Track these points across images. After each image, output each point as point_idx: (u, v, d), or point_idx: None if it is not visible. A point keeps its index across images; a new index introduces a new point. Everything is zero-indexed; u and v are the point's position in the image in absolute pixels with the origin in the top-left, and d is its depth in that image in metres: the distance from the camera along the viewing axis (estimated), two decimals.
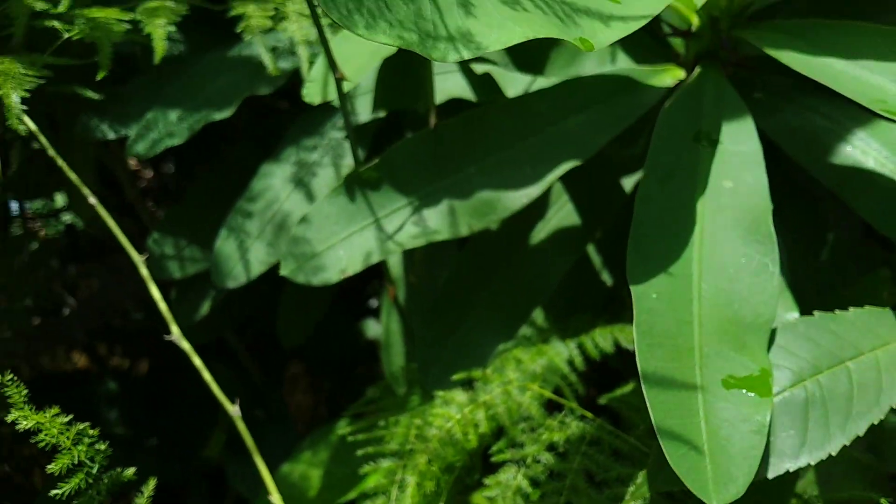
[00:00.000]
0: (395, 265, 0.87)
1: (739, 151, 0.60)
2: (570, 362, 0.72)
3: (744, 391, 0.47)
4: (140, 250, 0.94)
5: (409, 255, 0.86)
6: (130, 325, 1.42)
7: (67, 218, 1.38)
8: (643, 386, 0.47)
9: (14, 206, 1.27)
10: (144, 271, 0.73)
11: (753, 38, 0.63)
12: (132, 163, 1.39)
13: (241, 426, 0.68)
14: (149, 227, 1.06)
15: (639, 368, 0.48)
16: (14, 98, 0.72)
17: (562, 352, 0.74)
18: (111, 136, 0.90)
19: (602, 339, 0.75)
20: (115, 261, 1.36)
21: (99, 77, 0.76)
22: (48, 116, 0.98)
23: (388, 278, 0.82)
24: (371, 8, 0.35)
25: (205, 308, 0.97)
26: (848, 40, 0.59)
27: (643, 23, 0.44)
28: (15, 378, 0.53)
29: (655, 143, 0.61)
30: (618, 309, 0.83)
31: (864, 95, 0.54)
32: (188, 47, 0.96)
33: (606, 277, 0.84)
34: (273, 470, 0.91)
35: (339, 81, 0.65)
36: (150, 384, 1.33)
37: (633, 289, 0.52)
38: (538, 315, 0.80)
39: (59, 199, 1.37)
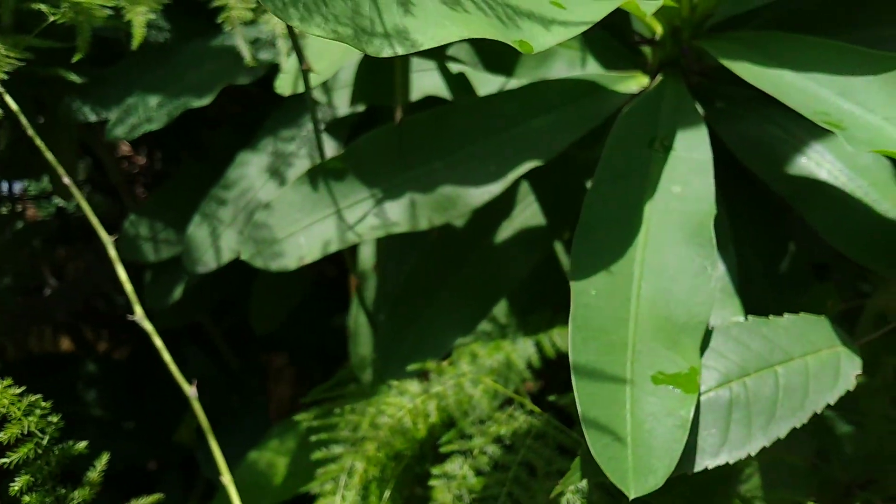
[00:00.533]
0: (368, 258, 0.89)
1: (691, 158, 0.62)
2: (527, 360, 0.74)
3: (671, 387, 0.49)
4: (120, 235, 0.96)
5: (380, 248, 0.87)
6: (113, 309, 1.43)
7: (58, 201, 1.40)
8: (573, 376, 0.48)
9: (4, 187, 1.29)
10: (112, 252, 0.75)
11: (711, 48, 0.65)
12: (125, 149, 1.40)
13: (196, 405, 0.69)
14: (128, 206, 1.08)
15: (570, 360, 0.49)
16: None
17: (519, 349, 0.75)
18: (92, 118, 0.92)
19: (560, 337, 0.76)
20: (102, 244, 1.37)
21: (75, 59, 0.77)
22: (34, 99, 1.00)
23: (353, 270, 0.84)
24: (307, 2, 0.37)
25: (178, 292, 0.99)
26: (800, 54, 0.61)
27: (584, 28, 0.46)
28: None
29: (611, 144, 0.63)
30: None
31: (809, 108, 0.56)
32: (174, 35, 0.98)
33: (566, 262, 0.85)
34: (242, 457, 0.93)
35: (305, 73, 0.67)
36: (130, 368, 1.35)
37: (573, 284, 0.54)
38: (500, 311, 0.81)
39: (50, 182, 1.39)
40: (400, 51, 0.40)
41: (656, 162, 0.62)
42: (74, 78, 0.87)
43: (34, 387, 0.59)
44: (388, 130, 0.71)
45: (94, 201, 1.33)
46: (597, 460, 0.46)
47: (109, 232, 0.77)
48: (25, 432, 0.54)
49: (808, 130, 0.69)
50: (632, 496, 0.45)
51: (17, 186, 1.33)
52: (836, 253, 0.89)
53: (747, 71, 0.61)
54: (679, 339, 0.51)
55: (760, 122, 0.71)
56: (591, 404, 0.47)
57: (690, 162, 0.62)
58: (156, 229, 0.99)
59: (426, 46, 0.40)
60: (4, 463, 0.54)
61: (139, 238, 0.99)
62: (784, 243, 0.83)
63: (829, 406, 0.64)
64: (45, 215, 1.47)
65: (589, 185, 0.81)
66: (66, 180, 0.78)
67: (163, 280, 1.01)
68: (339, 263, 1.23)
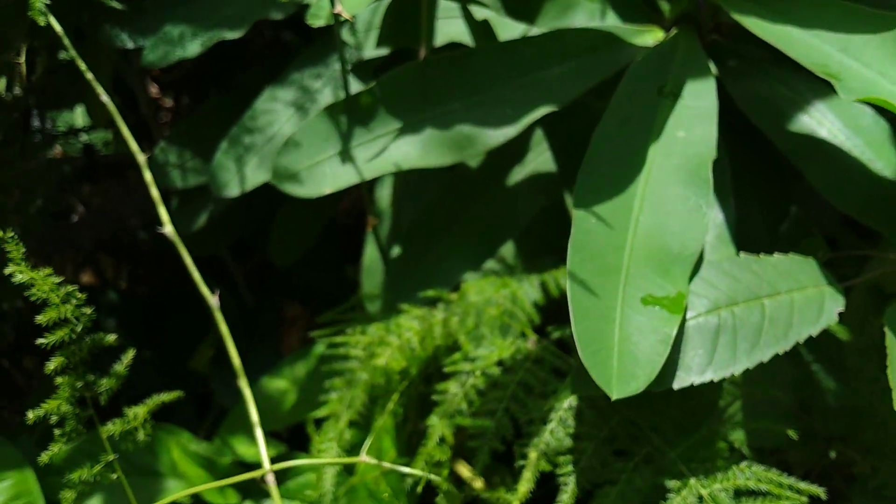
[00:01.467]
0: (385, 197, 0.93)
1: (697, 106, 0.65)
2: (531, 297, 0.78)
3: (658, 308, 0.53)
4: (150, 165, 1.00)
5: (397, 187, 0.91)
6: (136, 243, 1.48)
7: (86, 138, 1.44)
8: (568, 287, 0.52)
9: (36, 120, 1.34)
10: (148, 175, 0.79)
11: (724, 2, 0.68)
12: (153, 91, 1.44)
13: (219, 317, 0.74)
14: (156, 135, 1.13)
15: (567, 274, 0.53)
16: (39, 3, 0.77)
17: (524, 286, 0.79)
18: (130, 45, 0.96)
19: (564, 279, 0.80)
20: (127, 179, 1.42)
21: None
22: (74, 25, 1.04)
23: (369, 209, 0.88)
24: None
25: (202, 219, 1.03)
26: (807, 11, 0.63)
27: None
28: (14, 236, 0.59)
29: (621, 90, 0.66)
30: None
31: (811, 60, 0.59)
32: None
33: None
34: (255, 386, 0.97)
35: (336, 17, 0.70)
36: (150, 299, 1.40)
37: (575, 212, 0.58)
38: (508, 252, 0.85)
39: (80, 120, 1.43)
40: None
41: (664, 108, 0.65)
42: (115, 4, 0.90)
43: None
44: (412, 68, 0.75)
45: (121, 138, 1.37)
46: (585, 366, 0.50)
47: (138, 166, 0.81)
48: (62, 318, 0.59)
49: (813, 91, 0.72)
50: (614, 398, 0.49)
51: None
52: (841, 222, 0.92)
53: (756, 26, 0.64)
54: (670, 267, 0.55)
55: (769, 81, 0.74)
56: (583, 317, 0.51)
57: (696, 109, 0.65)
58: (184, 157, 1.03)
59: None
60: (42, 343, 0.59)
61: (168, 165, 1.03)
62: (787, 206, 0.86)
63: (813, 348, 0.68)
64: (72, 153, 1.51)
65: None
66: (105, 98, 0.82)
67: (189, 207, 1.06)
68: (356, 215, 1.27)
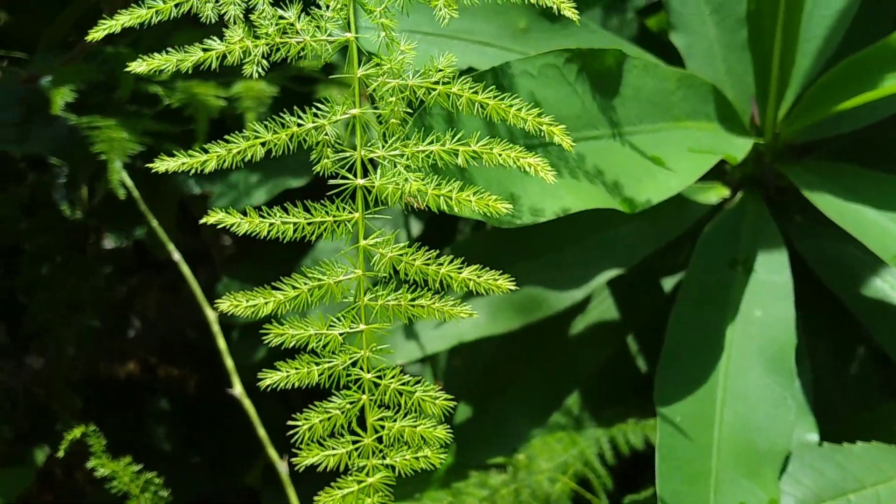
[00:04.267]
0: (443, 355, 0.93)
1: (772, 281, 0.65)
2: (601, 455, 0.77)
3: None
4: (209, 294, 1.02)
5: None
6: (191, 347, 1.50)
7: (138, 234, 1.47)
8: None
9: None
10: (216, 327, 0.81)
11: (793, 176, 0.68)
12: None
13: (272, 453, 0.74)
14: (220, 273, 1.14)
15: (657, 492, 0.53)
16: (117, 164, 0.80)
17: (593, 444, 0.78)
18: (196, 191, 0.99)
19: (633, 435, 0.79)
20: (174, 276, 1.44)
21: (196, 147, 0.84)
22: (144, 169, 1.07)
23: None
24: None
25: (262, 352, 1.04)
26: (880, 191, 0.64)
27: (684, 187, 0.50)
28: (97, 429, 0.60)
29: (694, 266, 0.66)
30: (650, 394, 0.88)
31: (889, 251, 0.59)
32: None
33: (641, 364, 0.89)
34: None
35: None
36: (198, 401, 1.41)
37: (660, 410, 0.57)
38: (573, 402, 0.85)
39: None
40: (528, 221, 0.44)
41: (738, 284, 0.65)
42: (181, 154, 0.93)
43: (107, 417, 0.63)
44: (483, 235, 0.76)
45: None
46: None
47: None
48: None
49: None
50: None
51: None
52: None
53: (827, 204, 0.64)
54: (759, 468, 0.54)
55: (839, 240, 0.73)
56: None
57: (771, 285, 0.65)
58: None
59: (548, 218, 0.44)
60: None
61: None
62: (855, 346, 0.85)
63: None
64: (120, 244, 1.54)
65: (665, 282, 0.85)
66: (177, 256, 0.84)
67: (249, 340, 1.07)
68: None
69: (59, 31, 1.17)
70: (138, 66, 0.38)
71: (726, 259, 0.68)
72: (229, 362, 0.82)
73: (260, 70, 0.38)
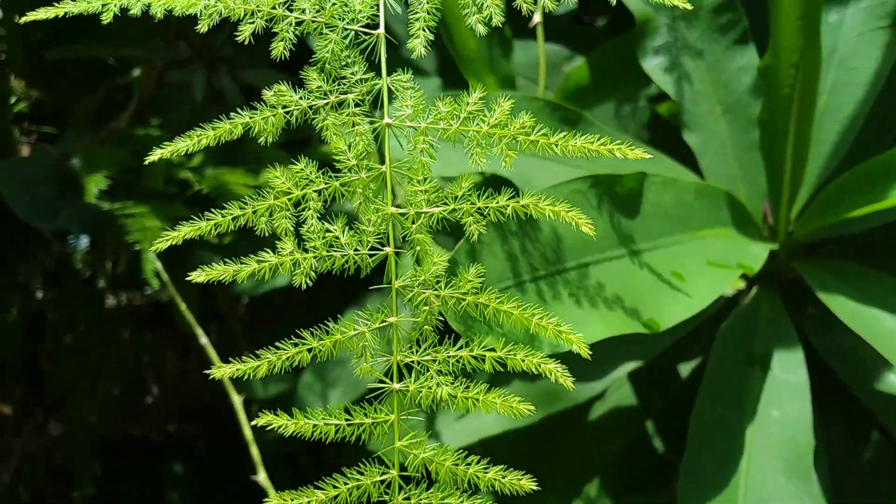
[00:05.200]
0: None
1: (788, 381, 0.67)
2: None
3: None
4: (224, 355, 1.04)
5: None
6: (202, 403, 1.51)
7: (150, 291, 1.50)
8: None
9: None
10: (242, 417, 0.82)
11: (806, 275, 0.70)
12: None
13: None
14: (241, 345, 1.17)
15: None
16: (150, 255, 0.83)
17: None
18: None
19: None
20: (189, 332, 1.46)
21: (226, 242, 0.87)
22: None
23: None
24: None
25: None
26: (891, 294, 0.65)
27: (704, 306, 0.52)
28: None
29: (712, 365, 0.68)
30: (668, 474, 0.89)
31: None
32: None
33: (658, 444, 0.90)
34: None
35: None
36: (213, 465, 1.42)
37: None
38: (593, 489, 0.86)
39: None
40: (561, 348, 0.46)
41: (755, 383, 0.67)
42: (212, 238, 0.96)
43: (124, 481, 0.63)
44: None
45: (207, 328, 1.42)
46: None
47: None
48: None
49: None
50: None
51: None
52: None
53: (843, 308, 0.66)
54: None
55: (851, 333, 0.75)
56: None
57: (788, 385, 0.67)
58: None
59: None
60: None
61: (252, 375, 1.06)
62: (869, 431, 0.86)
63: None
64: (137, 301, 1.56)
65: (682, 368, 0.86)
66: (204, 340, 0.86)
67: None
68: None
69: (90, 108, 1.22)
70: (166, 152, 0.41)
71: (743, 355, 0.69)
72: (248, 433, 0.83)
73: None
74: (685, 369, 0.87)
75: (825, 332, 0.77)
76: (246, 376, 1.02)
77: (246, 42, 0.41)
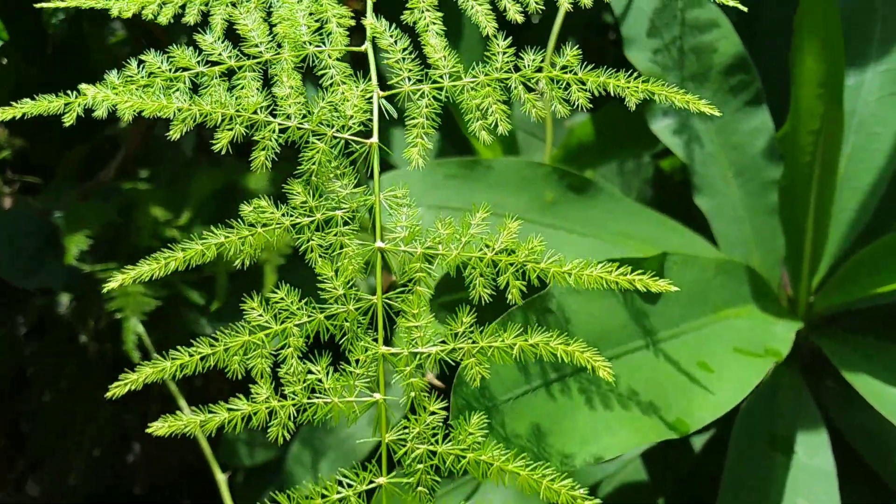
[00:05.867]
0: None
1: (813, 466, 0.63)
2: None
3: None
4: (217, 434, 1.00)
5: None
6: (184, 465, 1.45)
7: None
8: None
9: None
10: (226, 495, 0.77)
11: (828, 351, 0.67)
12: None
13: None
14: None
15: None
16: (132, 323, 0.78)
17: None
18: (209, 330, 0.97)
19: None
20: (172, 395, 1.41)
21: (213, 309, 0.82)
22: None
23: None
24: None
25: (266, 493, 1.01)
26: None
27: (733, 405, 0.48)
28: None
29: (733, 450, 0.64)
30: None
31: None
32: None
33: None
34: None
35: None
36: None
37: None
38: None
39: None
40: (590, 460, 0.42)
41: (779, 469, 0.63)
42: (198, 300, 0.92)
43: None
44: None
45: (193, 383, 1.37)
46: None
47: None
48: None
49: None
50: None
51: None
52: None
53: (867, 387, 0.62)
54: None
55: (875, 411, 0.71)
56: None
57: (813, 470, 0.62)
58: (254, 434, 1.02)
59: (609, 458, 0.42)
60: None
61: (238, 442, 1.02)
62: (890, 499, 0.82)
63: None
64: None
65: (694, 441, 0.82)
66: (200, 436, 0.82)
67: (255, 482, 1.03)
68: None
69: (75, 160, 1.18)
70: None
71: (765, 438, 0.65)
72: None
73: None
74: (698, 441, 0.83)
75: (847, 408, 0.73)
76: (233, 439, 0.97)
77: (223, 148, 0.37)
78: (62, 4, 0.42)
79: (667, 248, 0.72)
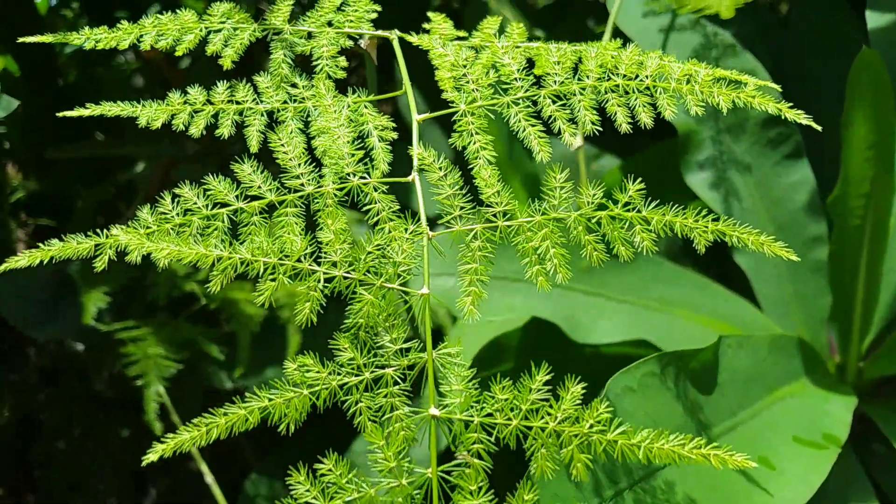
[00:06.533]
0: None
1: None
2: None
3: None
4: (237, 487, 0.97)
5: None
6: None
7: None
8: None
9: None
10: None
11: (881, 421, 0.64)
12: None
13: None
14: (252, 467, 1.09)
15: None
16: (153, 389, 0.76)
17: None
18: (228, 385, 0.94)
19: None
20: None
21: (236, 375, 0.80)
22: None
23: None
24: None
25: None
26: None
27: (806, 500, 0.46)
28: None
29: None
30: None
31: None
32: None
33: None
34: None
35: None
36: None
37: None
38: None
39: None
40: None
41: None
42: (218, 355, 0.89)
43: None
44: None
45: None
46: None
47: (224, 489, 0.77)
48: None
49: None
50: None
51: None
52: None
53: None
54: None
55: None
56: None
57: None
58: (275, 489, 0.99)
59: None
60: None
61: (258, 497, 0.99)
62: None
63: None
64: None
65: None
66: (209, 479, 0.79)
67: None
68: None
69: (91, 205, 1.16)
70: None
71: None
72: None
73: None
74: None
75: (892, 470, 0.70)
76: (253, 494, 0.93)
77: None
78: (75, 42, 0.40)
79: (710, 313, 0.69)
